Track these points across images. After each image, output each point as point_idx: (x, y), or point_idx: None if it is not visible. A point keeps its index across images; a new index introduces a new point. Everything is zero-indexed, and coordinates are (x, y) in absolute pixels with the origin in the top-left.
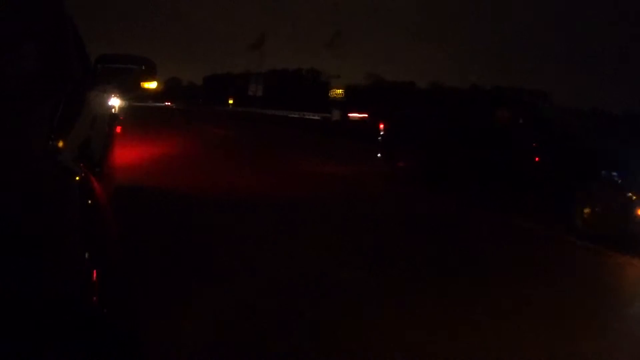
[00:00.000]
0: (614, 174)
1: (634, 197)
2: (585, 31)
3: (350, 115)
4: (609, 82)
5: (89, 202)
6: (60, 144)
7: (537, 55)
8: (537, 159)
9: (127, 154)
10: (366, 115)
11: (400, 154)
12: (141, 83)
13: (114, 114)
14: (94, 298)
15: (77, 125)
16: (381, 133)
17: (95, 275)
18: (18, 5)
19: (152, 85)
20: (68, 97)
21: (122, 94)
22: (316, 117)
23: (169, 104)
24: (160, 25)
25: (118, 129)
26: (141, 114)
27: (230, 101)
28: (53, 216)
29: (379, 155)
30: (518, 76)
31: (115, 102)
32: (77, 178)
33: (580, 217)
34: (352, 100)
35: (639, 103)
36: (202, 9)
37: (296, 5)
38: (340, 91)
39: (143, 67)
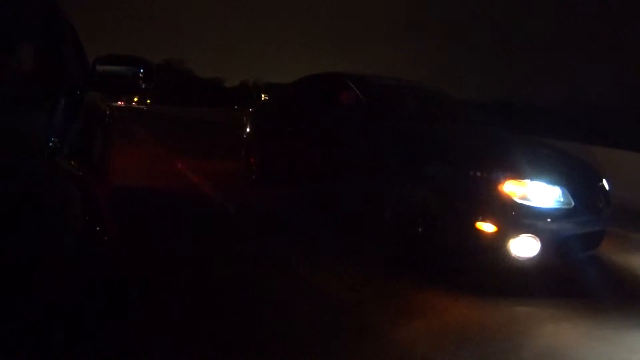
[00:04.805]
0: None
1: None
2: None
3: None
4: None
5: (88, 202)
6: (58, 145)
7: None
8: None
9: None
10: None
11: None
12: (138, 84)
13: (112, 115)
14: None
15: (75, 126)
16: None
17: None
18: (15, 5)
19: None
20: (66, 98)
21: (120, 96)
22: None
23: None
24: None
25: None
26: None
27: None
28: (52, 216)
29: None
30: None
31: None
32: (76, 179)
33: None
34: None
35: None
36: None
37: None
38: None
39: (141, 69)
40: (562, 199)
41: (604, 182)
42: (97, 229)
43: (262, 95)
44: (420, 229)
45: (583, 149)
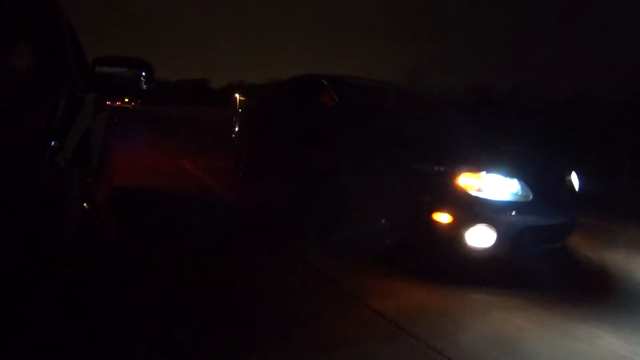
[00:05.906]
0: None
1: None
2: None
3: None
4: None
5: (87, 205)
6: (58, 146)
7: None
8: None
9: None
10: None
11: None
12: (140, 86)
13: (112, 117)
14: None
15: (74, 128)
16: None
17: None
18: (15, 6)
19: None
20: (66, 100)
21: (120, 97)
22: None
23: None
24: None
25: None
26: None
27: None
28: (52, 218)
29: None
30: None
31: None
32: (76, 180)
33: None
34: None
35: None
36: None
37: None
38: None
39: (140, 70)
40: (519, 192)
41: (573, 175)
42: (97, 229)
43: (237, 96)
44: (383, 220)
45: None
